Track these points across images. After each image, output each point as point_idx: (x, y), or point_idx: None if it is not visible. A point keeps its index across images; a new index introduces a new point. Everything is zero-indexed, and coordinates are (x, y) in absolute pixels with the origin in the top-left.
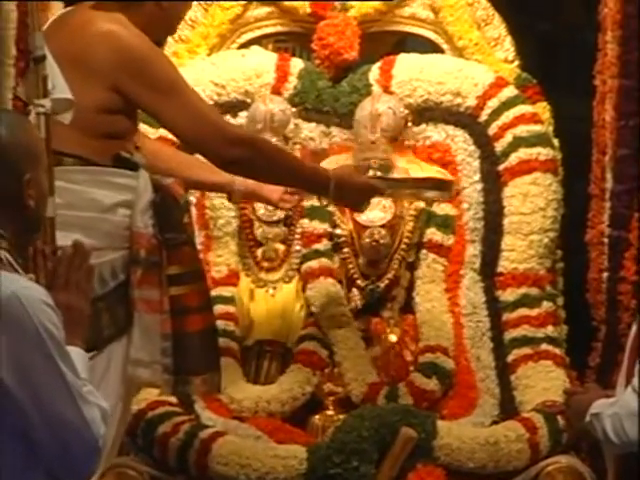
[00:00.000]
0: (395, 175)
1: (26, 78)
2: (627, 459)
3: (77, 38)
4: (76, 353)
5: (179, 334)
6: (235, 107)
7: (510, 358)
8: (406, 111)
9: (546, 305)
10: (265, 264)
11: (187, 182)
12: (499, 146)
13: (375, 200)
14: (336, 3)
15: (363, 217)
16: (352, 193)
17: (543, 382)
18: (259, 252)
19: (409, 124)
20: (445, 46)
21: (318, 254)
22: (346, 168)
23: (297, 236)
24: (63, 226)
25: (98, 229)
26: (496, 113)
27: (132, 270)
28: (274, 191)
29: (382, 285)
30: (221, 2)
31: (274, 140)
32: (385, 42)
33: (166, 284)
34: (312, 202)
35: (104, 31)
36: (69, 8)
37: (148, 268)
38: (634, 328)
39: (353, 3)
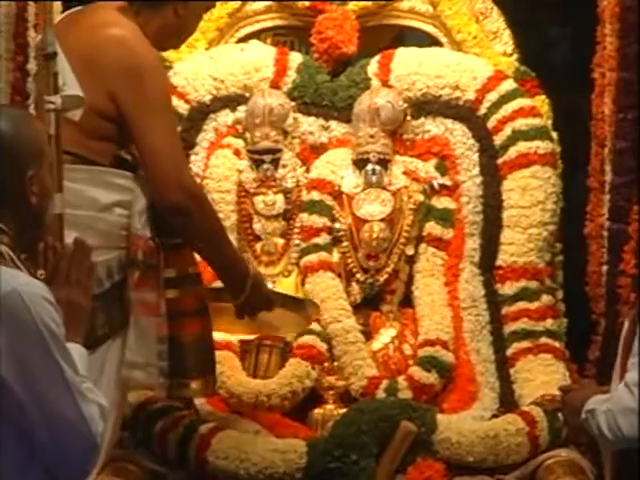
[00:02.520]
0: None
1: (37, 74)
2: (624, 455)
3: (88, 39)
4: (76, 350)
5: (175, 337)
6: (234, 101)
7: (510, 351)
8: (405, 105)
9: (545, 298)
10: (264, 258)
11: None
12: (498, 139)
13: (374, 194)
14: None
15: (362, 211)
16: (258, 298)
17: (543, 375)
18: (258, 246)
19: (408, 118)
20: (444, 39)
21: (317, 248)
22: (258, 270)
23: (296, 230)
24: None
25: (94, 228)
26: (495, 106)
27: (129, 272)
28: None
29: (381, 279)
30: None
31: (273, 134)
32: (384, 36)
33: (163, 287)
34: (310, 196)
35: (115, 36)
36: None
37: (145, 271)
38: (626, 323)
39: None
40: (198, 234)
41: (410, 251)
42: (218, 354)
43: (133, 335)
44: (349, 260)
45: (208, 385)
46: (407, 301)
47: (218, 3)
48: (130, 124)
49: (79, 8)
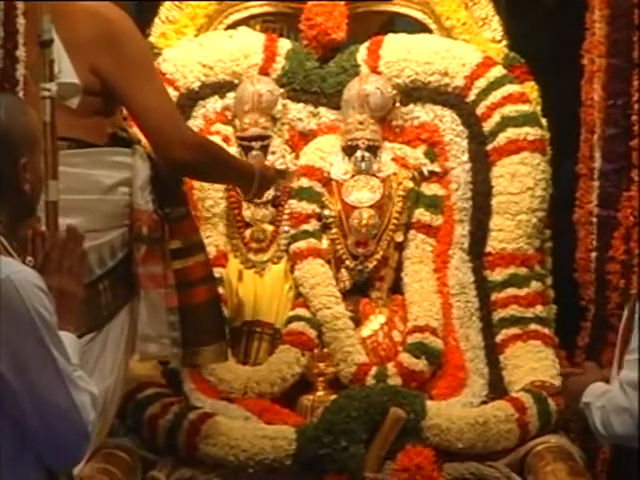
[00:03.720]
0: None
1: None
2: (618, 450)
3: (59, 18)
4: (67, 338)
5: (186, 307)
6: (223, 88)
7: (499, 338)
8: (394, 91)
9: (535, 285)
10: (253, 245)
11: None
12: (487, 126)
13: (363, 181)
14: None
15: (352, 197)
16: (265, 187)
17: (532, 362)
18: (247, 233)
19: (397, 104)
20: (433, 26)
21: (306, 235)
22: (259, 161)
23: (285, 217)
24: (64, 210)
25: (99, 211)
26: (484, 93)
27: (135, 247)
28: None
29: (371, 265)
30: None
31: (262, 120)
32: (373, 22)
33: (169, 258)
34: (300, 183)
35: (86, 9)
36: None
37: (151, 244)
38: (625, 312)
39: None
40: (210, 175)
41: (399, 238)
42: None
43: (144, 309)
44: (338, 247)
45: (221, 351)
46: (396, 288)
47: None
48: (119, 92)
49: None
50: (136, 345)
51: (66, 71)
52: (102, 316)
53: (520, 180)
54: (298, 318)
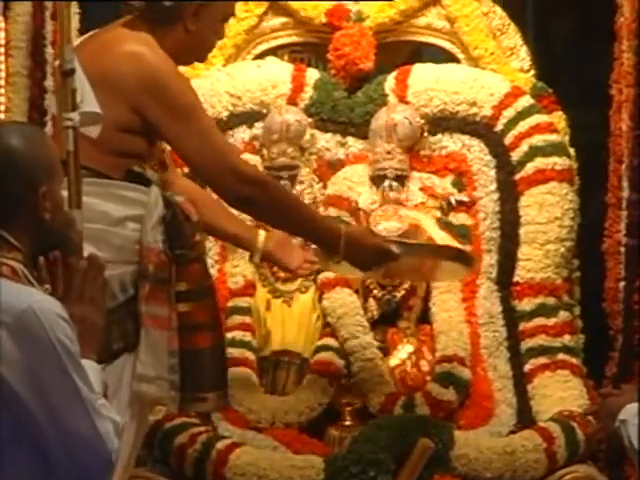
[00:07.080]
0: (413, 240)
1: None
2: None
3: (104, 56)
4: (90, 366)
5: (187, 351)
6: (251, 118)
7: (527, 368)
8: (422, 121)
9: (563, 315)
10: (281, 274)
11: (209, 227)
12: (515, 156)
13: (391, 210)
14: (351, 14)
15: (380, 227)
16: (363, 254)
17: (560, 392)
18: None
19: (425, 134)
20: (461, 56)
21: None
22: (360, 228)
23: (314, 246)
24: None
25: (108, 242)
26: (512, 123)
27: (140, 285)
28: (293, 258)
29: (399, 295)
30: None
31: (290, 150)
32: (401, 52)
33: (174, 300)
34: (328, 213)
35: (130, 52)
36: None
37: (156, 284)
38: None
39: (369, 12)
40: (276, 219)
41: None
42: (235, 371)
43: (144, 348)
44: None
45: (219, 400)
46: (424, 317)
47: (234, 20)
48: (167, 137)
49: (97, 31)
50: (132, 385)
51: (88, 100)
52: (111, 349)
53: (548, 210)
54: (326, 348)
